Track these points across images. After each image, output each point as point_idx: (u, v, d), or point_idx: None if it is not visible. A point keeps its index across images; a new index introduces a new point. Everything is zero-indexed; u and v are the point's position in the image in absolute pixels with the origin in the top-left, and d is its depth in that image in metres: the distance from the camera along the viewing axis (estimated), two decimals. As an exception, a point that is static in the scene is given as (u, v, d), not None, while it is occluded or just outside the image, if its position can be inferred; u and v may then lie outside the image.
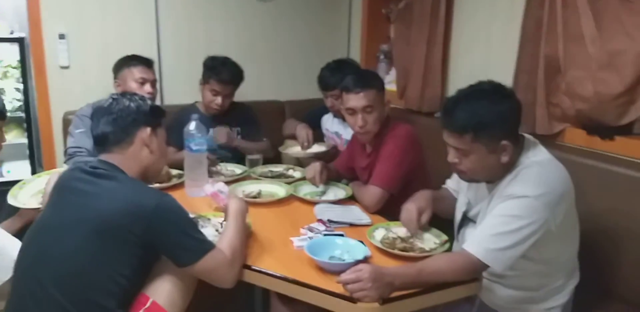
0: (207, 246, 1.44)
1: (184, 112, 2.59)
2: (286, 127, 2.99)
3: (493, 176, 1.58)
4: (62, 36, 2.85)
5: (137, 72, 2.42)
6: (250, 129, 2.78)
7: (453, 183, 1.90)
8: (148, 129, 1.55)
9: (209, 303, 2.26)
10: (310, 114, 2.98)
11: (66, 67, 2.90)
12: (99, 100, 1.65)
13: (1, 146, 1.78)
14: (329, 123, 2.90)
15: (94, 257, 1.36)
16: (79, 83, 2.89)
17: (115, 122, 1.51)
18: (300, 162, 2.77)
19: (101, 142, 1.54)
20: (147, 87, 2.43)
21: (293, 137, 2.86)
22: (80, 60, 2.91)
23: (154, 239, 1.39)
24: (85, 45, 2.91)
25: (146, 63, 2.47)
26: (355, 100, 2.04)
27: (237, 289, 2.19)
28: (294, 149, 2.75)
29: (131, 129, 1.53)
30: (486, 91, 1.50)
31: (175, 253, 1.42)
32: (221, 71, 2.59)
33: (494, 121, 1.46)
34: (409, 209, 1.71)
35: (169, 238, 1.40)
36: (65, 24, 2.85)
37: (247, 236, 1.65)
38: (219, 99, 2.62)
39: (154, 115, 1.59)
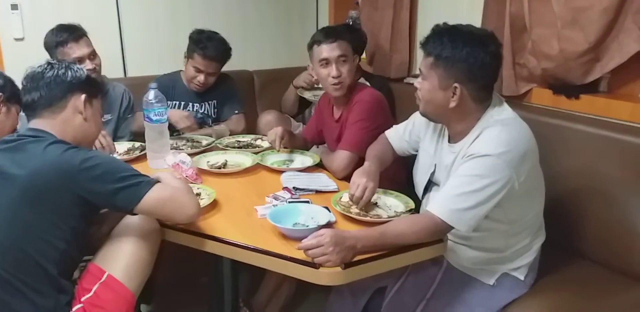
0: (146, 183, 1.37)
1: (167, 80, 2.50)
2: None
3: (441, 117, 1.58)
4: (14, 6, 2.72)
5: (70, 52, 2.25)
6: (228, 101, 2.69)
7: (407, 134, 1.86)
8: (83, 96, 1.49)
9: (176, 278, 2.25)
10: None
11: (21, 39, 2.78)
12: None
13: (15, 130, 1.80)
14: None
15: (27, 224, 1.31)
16: (34, 55, 2.64)
17: (48, 86, 1.45)
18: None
19: (31, 107, 1.47)
20: (87, 64, 2.25)
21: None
22: (36, 32, 2.75)
23: (88, 194, 1.34)
24: (40, 16, 2.78)
25: (74, 38, 2.27)
26: (329, 50, 2.04)
27: (205, 263, 2.17)
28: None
29: (64, 92, 1.46)
30: (480, 42, 1.46)
31: (113, 201, 1.35)
32: (206, 46, 2.46)
33: (456, 58, 1.44)
34: (355, 181, 1.64)
35: (103, 188, 1.33)
36: (18, -6, 2.72)
37: None
38: (201, 77, 2.51)
39: (90, 84, 1.53)
